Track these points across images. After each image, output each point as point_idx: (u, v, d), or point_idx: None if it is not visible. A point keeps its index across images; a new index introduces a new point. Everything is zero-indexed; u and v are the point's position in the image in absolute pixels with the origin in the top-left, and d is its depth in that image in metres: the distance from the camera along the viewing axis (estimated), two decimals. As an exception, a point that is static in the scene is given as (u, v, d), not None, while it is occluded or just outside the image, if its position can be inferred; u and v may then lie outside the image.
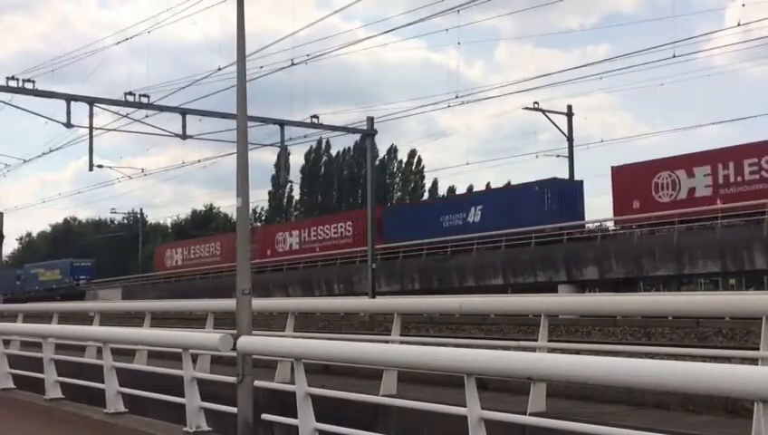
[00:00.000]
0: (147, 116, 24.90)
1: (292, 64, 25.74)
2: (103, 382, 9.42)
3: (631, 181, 30.21)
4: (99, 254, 72.44)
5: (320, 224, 44.97)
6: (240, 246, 9.09)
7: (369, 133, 30.68)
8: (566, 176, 37.93)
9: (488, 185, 60.59)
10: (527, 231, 31.51)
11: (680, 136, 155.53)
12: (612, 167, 31.20)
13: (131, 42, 28.40)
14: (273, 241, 46.57)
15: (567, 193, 34.18)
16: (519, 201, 33.63)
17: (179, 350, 8.25)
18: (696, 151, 28.72)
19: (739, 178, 26.82)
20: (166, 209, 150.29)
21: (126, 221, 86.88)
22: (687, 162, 28.67)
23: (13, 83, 22.98)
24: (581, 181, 36.30)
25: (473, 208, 36.22)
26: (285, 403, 8.10)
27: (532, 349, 8.20)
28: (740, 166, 26.79)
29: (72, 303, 39.26)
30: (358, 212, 43.23)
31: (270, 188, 74.60)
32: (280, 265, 44.38)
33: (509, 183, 50.43)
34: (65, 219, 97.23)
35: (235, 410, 7.99)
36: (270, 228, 51.64)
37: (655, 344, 13.43)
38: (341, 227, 42.43)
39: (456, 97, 27.94)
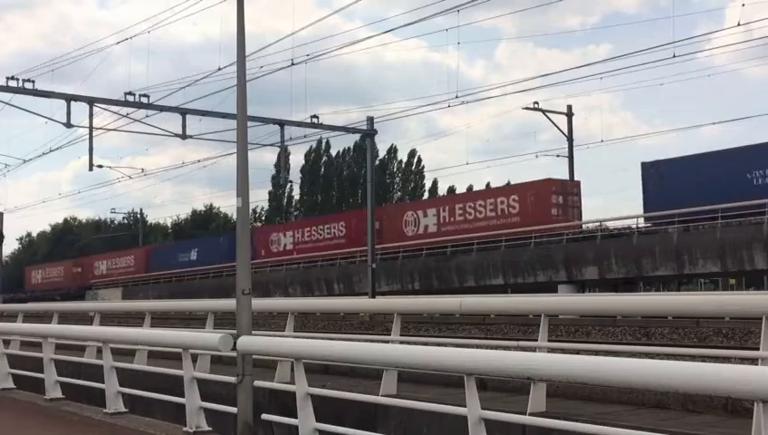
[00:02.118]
0: (147, 116, 24.89)
1: (293, 64, 25.73)
2: (103, 382, 9.43)
3: (262, 238, 47.45)
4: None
5: (109, 258, 64.63)
6: (240, 246, 9.10)
7: (369, 133, 30.67)
8: (566, 175, 37.99)
9: (488, 185, 60.69)
10: (220, 266, 45.81)
11: (680, 136, 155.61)
12: (255, 227, 55.25)
13: (131, 42, 28.39)
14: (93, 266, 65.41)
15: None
16: (214, 247, 51.53)
17: (179, 350, 8.25)
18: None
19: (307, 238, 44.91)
20: (166, 209, 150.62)
21: (126, 221, 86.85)
22: (283, 228, 50.02)
23: (13, 83, 22.95)
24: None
25: (192, 250, 54.75)
26: (285, 403, 8.11)
27: (532, 349, 8.20)
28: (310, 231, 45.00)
29: (72, 303, 39.31)
30: (136, 249, 64.16)
31: (270, 188, 74.61)
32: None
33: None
34: (65, 219, 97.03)
35: (235, 410, 7.99)
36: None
37: (655, 344, 13.43)
38: (127, 259, 61.83)
39: (456, 97, 27.88)
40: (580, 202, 34.10)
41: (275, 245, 46.93)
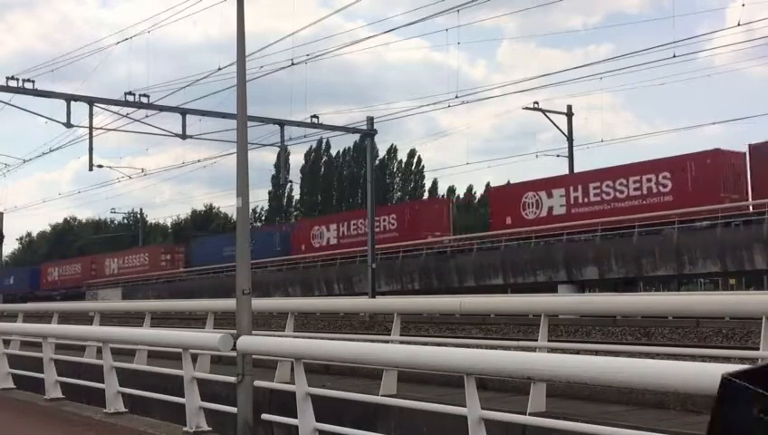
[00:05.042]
0: (147, 116, 24.83)
1: (293, 64, 25.69)
2: (103, 382, 9.43)
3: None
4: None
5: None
6: (240, 245, 9.10)
7: (369, 133, 30.65)
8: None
9: (488, 185, 60.72)
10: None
11: (680, 136, 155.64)
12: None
13: (131, 41, 28.37)
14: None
15: None
16: (22, 275, 68.97)
17: (179, 350, 8.25)
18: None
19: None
20: (166, 209, 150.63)
21: (126, 221, 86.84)
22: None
23: (13, 83, 22.91)
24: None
25: (12, 276, 70.49)
26: (285, 403, 8.10)
27: (533, 349, 8.20)
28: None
29: (72, 303, 39.31)
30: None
31: (270, 188, 74.61)
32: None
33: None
34: (65, 219, 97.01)
35: (235, 410, 7.99)
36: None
37: (655, 344, 13.42)
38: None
39: (456, 97, 27.79)
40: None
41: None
